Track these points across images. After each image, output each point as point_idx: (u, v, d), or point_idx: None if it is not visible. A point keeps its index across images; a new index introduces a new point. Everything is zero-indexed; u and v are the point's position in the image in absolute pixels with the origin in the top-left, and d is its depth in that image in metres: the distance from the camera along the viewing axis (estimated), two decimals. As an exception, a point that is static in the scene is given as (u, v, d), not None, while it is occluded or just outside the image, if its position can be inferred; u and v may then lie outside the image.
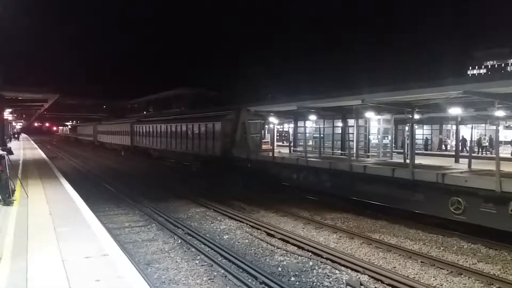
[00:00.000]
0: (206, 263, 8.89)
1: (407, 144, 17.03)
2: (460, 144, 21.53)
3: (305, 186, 17.79)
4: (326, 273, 8.45)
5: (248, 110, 24.97)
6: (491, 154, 21.78)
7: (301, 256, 9.51)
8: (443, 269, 8.67)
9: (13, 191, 10.04)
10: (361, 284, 7.80)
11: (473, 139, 23.13)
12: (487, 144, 25.22)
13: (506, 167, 12.18)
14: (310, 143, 25.13)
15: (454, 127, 21.34)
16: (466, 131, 25.54)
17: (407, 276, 8.20)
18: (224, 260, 9.03)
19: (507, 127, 25.13)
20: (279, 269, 8.73)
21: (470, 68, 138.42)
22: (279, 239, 10.90)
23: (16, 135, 56.03)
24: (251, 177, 20.60)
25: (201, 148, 26.78)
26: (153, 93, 69.70)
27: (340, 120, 23.25)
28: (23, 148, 33.79)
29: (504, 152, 23.41)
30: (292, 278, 8.23)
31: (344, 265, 8.77)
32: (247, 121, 24.70)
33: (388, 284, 7.83)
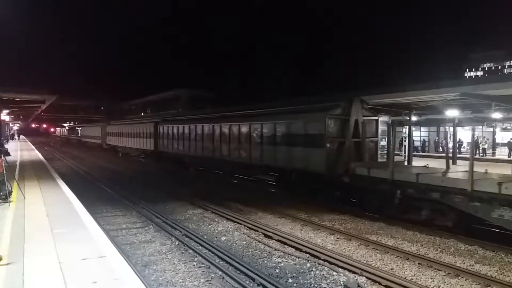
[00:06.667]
0: (203, 265, 8.88)
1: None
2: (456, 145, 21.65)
3: None
4: (323, 274, 8.45)
5: (362, 101, 16.82)
6: (493, 155, 21.88)
7: (298, 257, 9.51)
8: (441, 270, 8.68)
9: (10, 192, 10.02)
10: (358, 286, 7.81)
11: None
12: (485, 146, 25.37)
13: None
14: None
15: (451, 129, 21.42)
16: (464, 133, 25.70)
17: (405, 278, 8.20)
18: (222, 262, 9.02)
19: (503, 129, 25.26)
20: (277, 270, 8.72)
21: (467, 70, 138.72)
22: (276, 240, 10.89)
23: (17, 136, 56.01)
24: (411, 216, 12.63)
25: (277, 157, 18.08)
26: (155, 94, 69.15)
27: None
28: (21, 149, 33.70)
29: (501, 154, 23.58)
30: (290, 280, 8.22)
31: (341, 267, 8.76)
32: (361, 118, 16.37)
33: (386, 286, 7.84)
